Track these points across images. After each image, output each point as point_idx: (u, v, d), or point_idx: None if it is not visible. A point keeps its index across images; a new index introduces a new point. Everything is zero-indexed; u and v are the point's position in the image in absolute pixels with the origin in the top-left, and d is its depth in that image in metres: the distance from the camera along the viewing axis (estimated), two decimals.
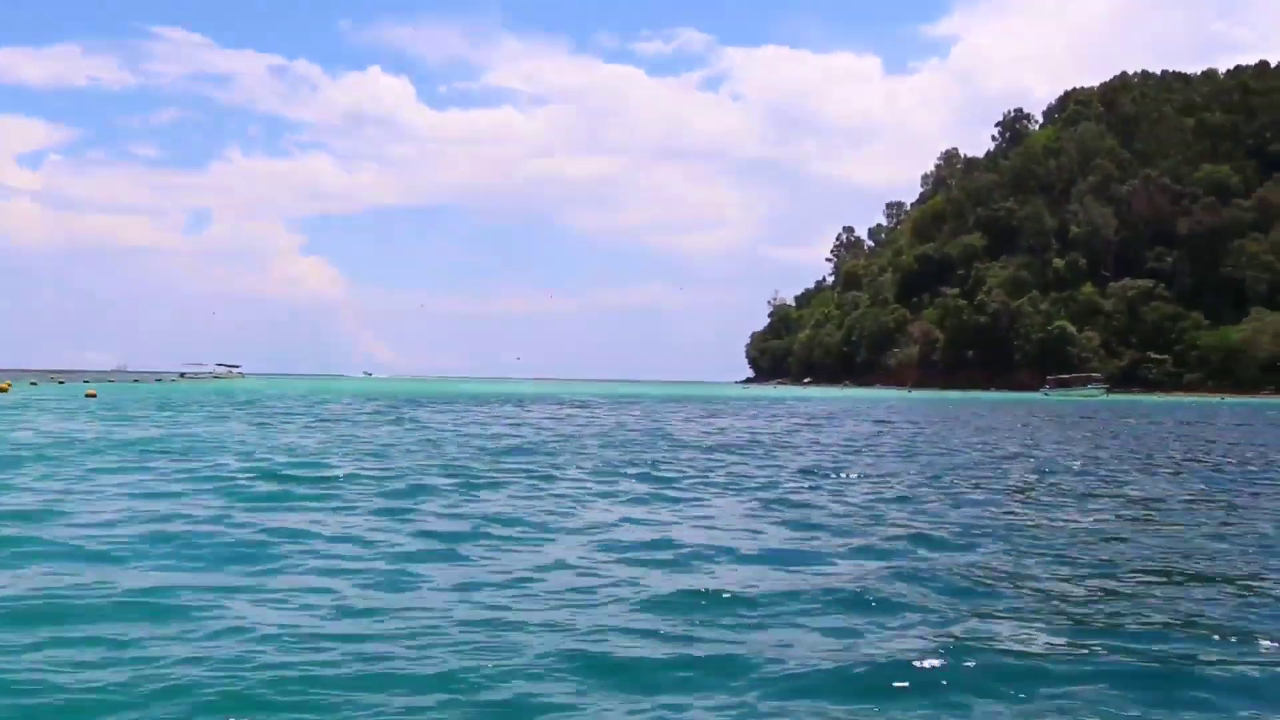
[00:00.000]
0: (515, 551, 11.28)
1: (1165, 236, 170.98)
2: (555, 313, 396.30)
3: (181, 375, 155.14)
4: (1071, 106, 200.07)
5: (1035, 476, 21.74)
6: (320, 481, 17.59)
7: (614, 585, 9.46)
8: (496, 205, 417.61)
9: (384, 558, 10.65)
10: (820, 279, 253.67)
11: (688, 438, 33.16)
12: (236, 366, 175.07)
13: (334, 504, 14.79)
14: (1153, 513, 15.73)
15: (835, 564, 10.80)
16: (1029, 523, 14.28)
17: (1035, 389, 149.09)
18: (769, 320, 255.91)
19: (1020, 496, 17.92)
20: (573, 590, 9.22)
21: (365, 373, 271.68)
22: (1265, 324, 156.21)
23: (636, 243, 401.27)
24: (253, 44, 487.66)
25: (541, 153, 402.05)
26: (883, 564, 10.69)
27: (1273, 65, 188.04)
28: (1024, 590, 9.62)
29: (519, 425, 39.49)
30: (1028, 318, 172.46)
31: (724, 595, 8.96)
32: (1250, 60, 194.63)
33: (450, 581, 9.52)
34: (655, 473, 20.61)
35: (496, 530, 12.65)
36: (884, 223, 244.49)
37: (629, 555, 11.07)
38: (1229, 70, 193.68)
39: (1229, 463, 26.69)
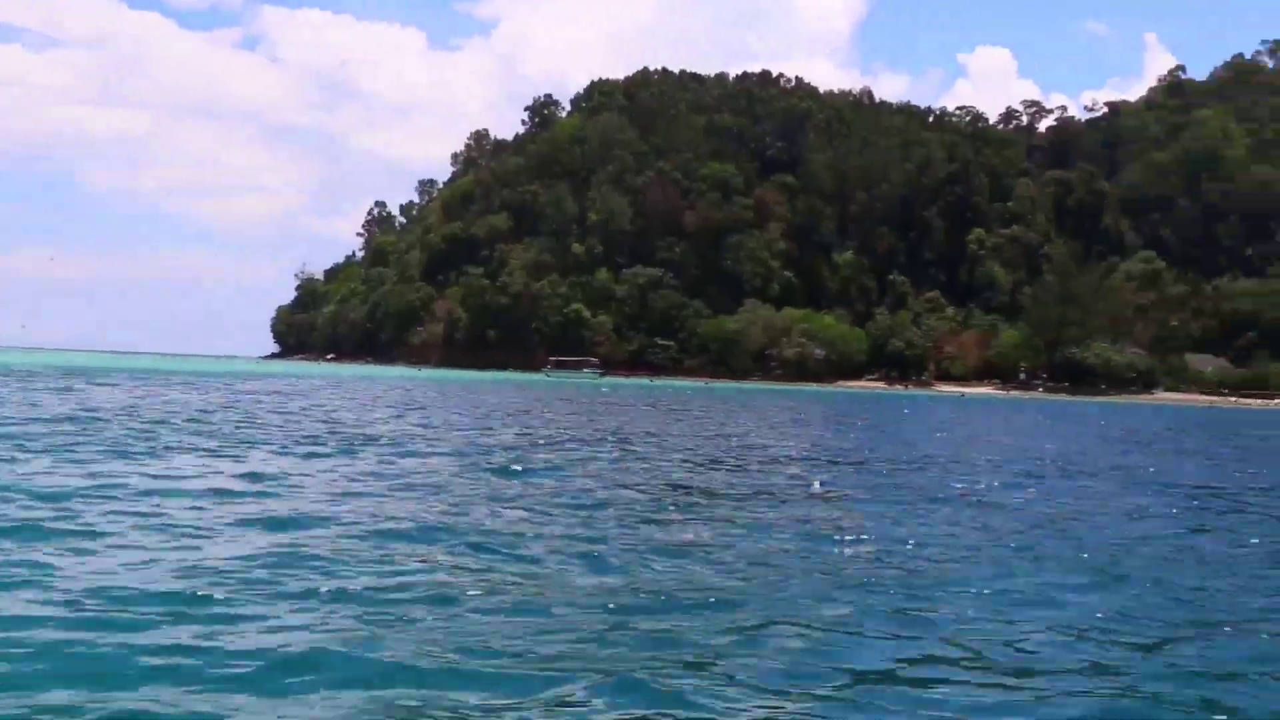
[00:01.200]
0: None
1: (675, 228, 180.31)
2: (72, 278, 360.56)
3: None
4: (597, 97, 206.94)
5: None
6: None
7: None
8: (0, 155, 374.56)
9: None
10: (351, 253, 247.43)
11: None
12: None
13: None
14: None
15: None
16: None
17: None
18: (296, 294, 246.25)
19: None
20: None
21: None
22: (757, 315, 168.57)
23: (164, 206, 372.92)
24: None
25: (56, 101, 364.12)
26: None
27: (774, 75, 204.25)
28: None
29: None
30: (547, 300, 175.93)
31: None
32: (757, 69, 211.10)
33: None
34: None
35: None
36: (416, 200, 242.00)
37: None
38: (738, 76, 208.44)
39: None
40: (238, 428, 26.36)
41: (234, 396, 44.27)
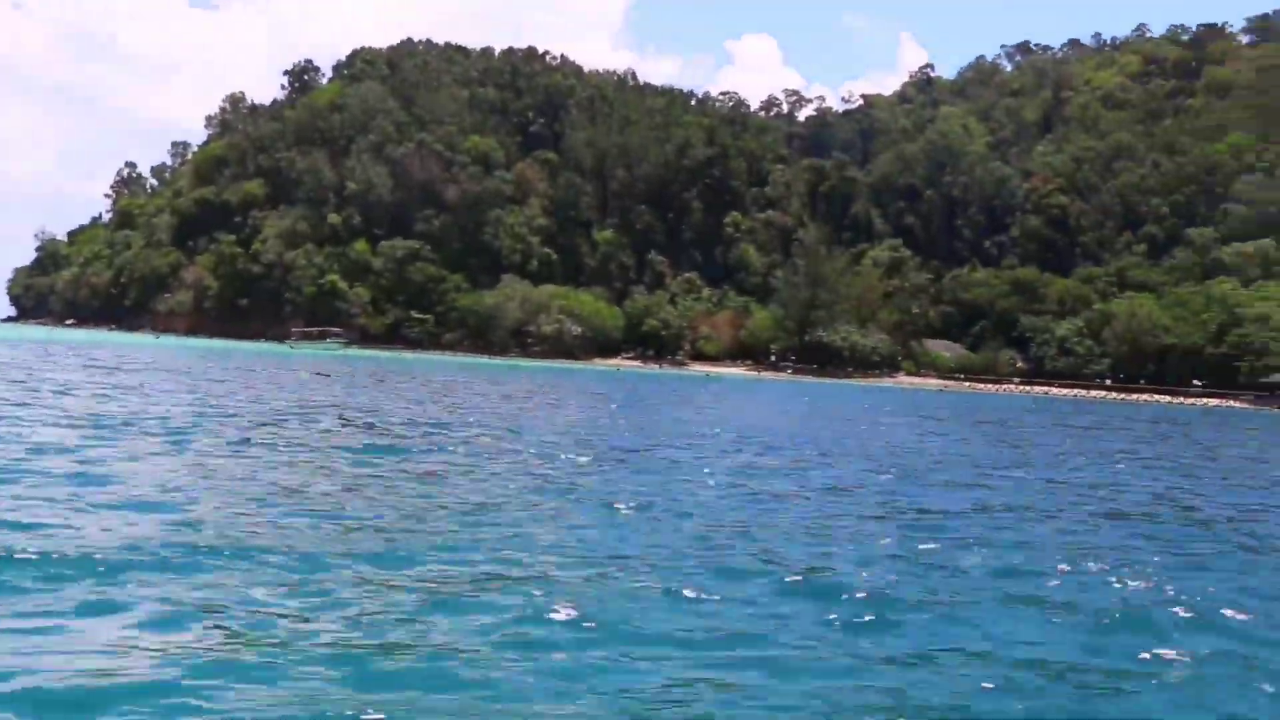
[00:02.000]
0: None
1: (435, 200, 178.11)
2: None
3: None
4: (359, 64, 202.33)
5: None
6: None
7: None
8: None
9: None
10: (98, 215, 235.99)
11: None
12: None
13: None
14: None
15: None
16: None
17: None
18: (36, 255, 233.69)
19: None
20: None
21: None
22: (515, 291, 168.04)
23: None
24: None
25: None
26: None
27: (540, 51, 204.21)
28: None
29: None
30: (301, 270, 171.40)
31: None
32: (523, 44, 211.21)
33: None
34: None
35: None
36: (169, 162, 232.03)
37: None
38: (504, 51, 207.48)
39: None
40: None
41: None
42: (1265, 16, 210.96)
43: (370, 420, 28.31)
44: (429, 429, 26.58)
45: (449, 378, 66.51)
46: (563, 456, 21.50)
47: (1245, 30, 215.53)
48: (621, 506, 14.92)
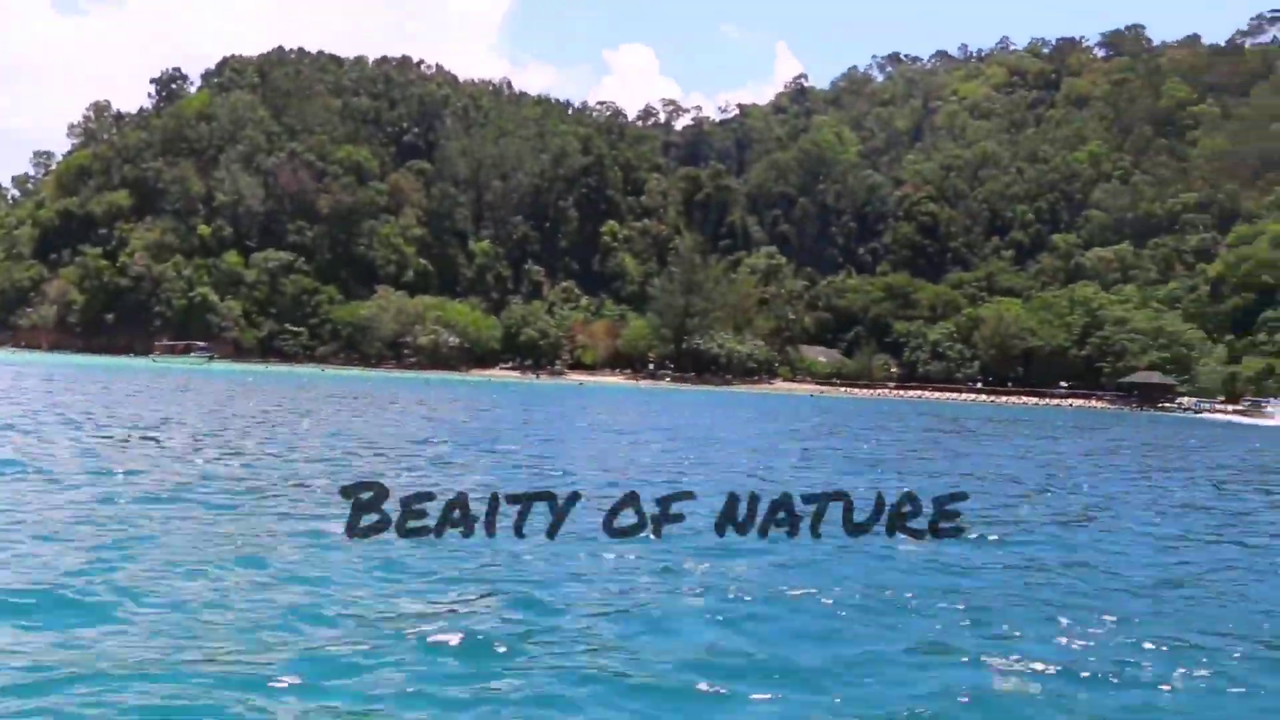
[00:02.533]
0: None
1: (307, 211, 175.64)
2: None
3: None
4: (228, 73, 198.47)
5: None
6: None
7: None
8: None
9: None
10: None
11: None
12: None
13: None
14: None
15: None
16: None
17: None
18: None
19: None
20: None
21: None
22: (390, 302, 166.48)
23: None
24: None
25: None
26: None
27: (415, 60, 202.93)
28: None
29: None
30: (170, 283, 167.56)
31: None
32: (397, 53, 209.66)
33: None
34: None
35: None
36: (31, 172, 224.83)
37: None
38: (377, 59, 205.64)
39: None
40: None
41: None
42: (1118, 32, 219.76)
43: (151, 435, 28.48)
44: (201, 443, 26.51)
45: (285, 390, 65.31)
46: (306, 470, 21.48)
47: (1100, 44, 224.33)
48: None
